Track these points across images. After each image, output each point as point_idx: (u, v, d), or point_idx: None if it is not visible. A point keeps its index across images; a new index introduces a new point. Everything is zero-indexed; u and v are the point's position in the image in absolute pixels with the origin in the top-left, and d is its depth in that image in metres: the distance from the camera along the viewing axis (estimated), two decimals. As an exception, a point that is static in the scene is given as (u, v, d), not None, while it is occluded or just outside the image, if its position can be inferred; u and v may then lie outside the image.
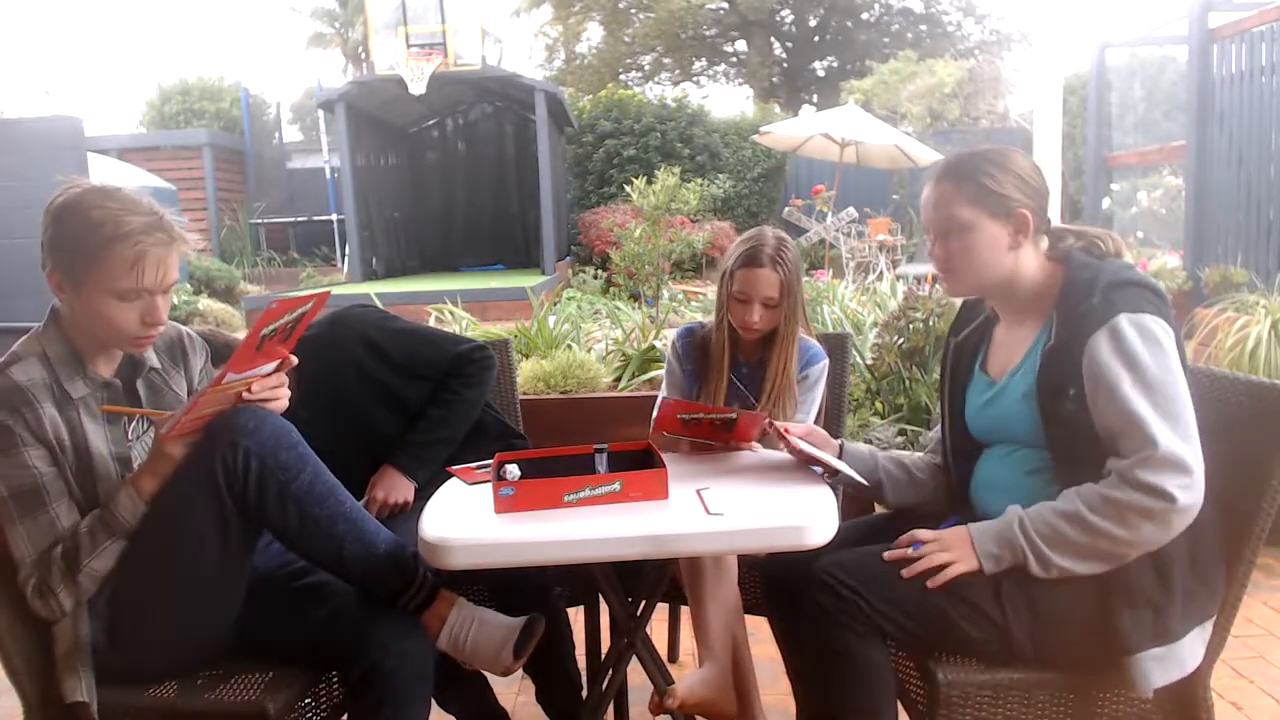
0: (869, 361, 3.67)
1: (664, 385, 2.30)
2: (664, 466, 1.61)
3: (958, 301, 1.87)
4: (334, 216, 14.04)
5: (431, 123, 14.44)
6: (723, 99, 27.67)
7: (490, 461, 1.72)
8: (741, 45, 25.73)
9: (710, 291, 5.92)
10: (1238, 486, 1.52)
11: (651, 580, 1.81)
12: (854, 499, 2.32)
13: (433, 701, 1.68)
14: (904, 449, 2.84)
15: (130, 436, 1.63)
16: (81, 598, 1.51)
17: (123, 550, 1.51)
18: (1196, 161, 6.06)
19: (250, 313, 9.24)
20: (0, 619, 1.51)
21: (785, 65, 25.39)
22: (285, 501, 1.52)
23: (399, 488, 2.07)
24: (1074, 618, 1.48)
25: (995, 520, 1.53)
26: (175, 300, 7.58)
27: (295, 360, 1.56)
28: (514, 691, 2.42)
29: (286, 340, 1.51)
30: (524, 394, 3.32)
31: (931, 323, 3.50)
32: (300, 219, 14.90)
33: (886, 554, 1.56)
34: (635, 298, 6.21)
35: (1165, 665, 1.45)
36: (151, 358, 1.67)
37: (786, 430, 1.74)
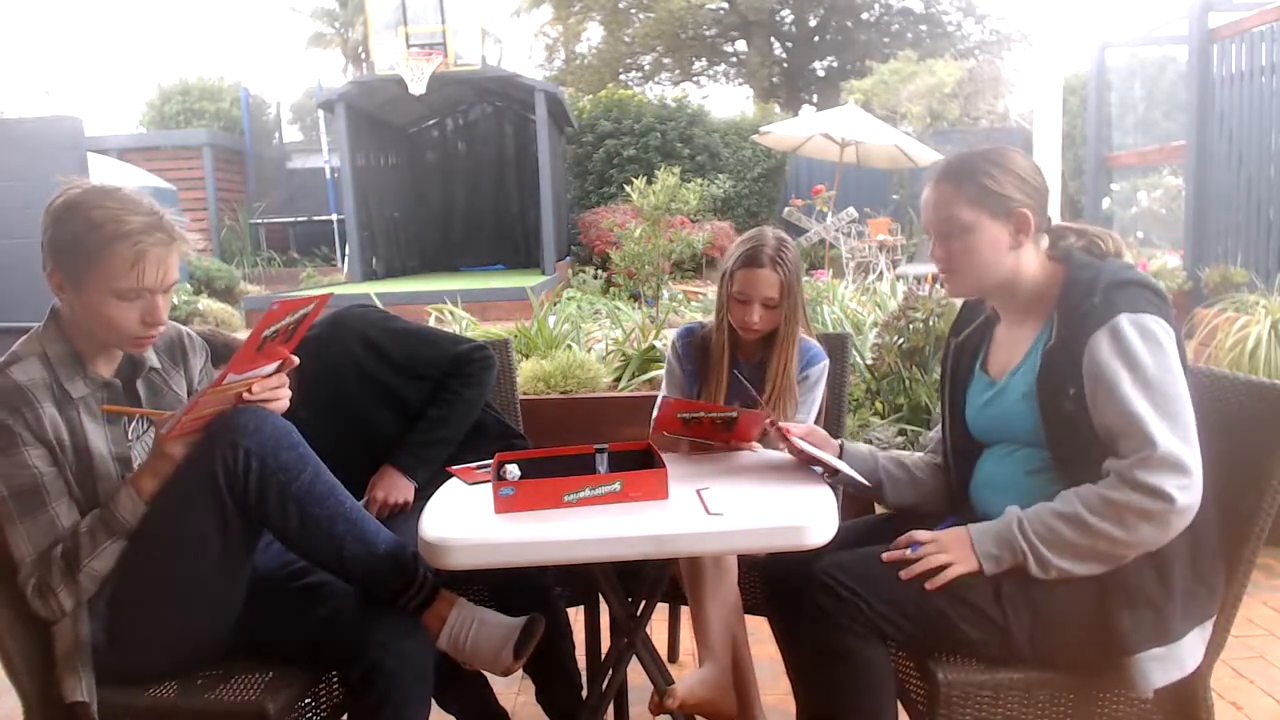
0: (869, 361, 3.67)
1: (664, 385, 2.30)
2: (664, 466, 1.61)
3: (957, 302, 1.87)
4: (334, 216, 14.05)
5: (431, 123, 14.45)
6: (723, 99, 27.75)
7: (490, 461, 1.72)
8: (741, 45, 25.74)
9: (710, 291, 5.92)
10: (1238, 486, 1.52)
11: (651, 580, 1.81)
12: (854, 499, 2.32)
13: (433, 701, 1.68)
14: (904, 449, 2.84)
15: (130, 436, 1.63)
16: (81, 597, 1.51)
17: (123, 550, 1.51)
18: (1196, 161, 6.06)
19: (250, 313, 9.25)
20: (0, 619, 1.51)
21: (785, 65, 25.39)
22: (286, 501, 1.52)
23: (399, 488, 2.07)
24: (1074, 618, 1.48)
25: (994, 521, 1.53)
26: (175, 300, 7.57)
27: (296, 361, 1.56)
28: (514, 691, 2.42)
29: (288, 341, 1.51)
30: (524, 394, 3.32)
31: (931, 323, 3.50)
32: (300, 219, 14.91)
33: (884, 555, 1.56)
34: (635, 298, 6.21)
35: (1165, 665, 1.45)
36: (151, 358, 1.67)
37: (788, 430, 1.74)
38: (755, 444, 1.92)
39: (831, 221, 11.09)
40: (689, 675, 1.75)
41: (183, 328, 1.77)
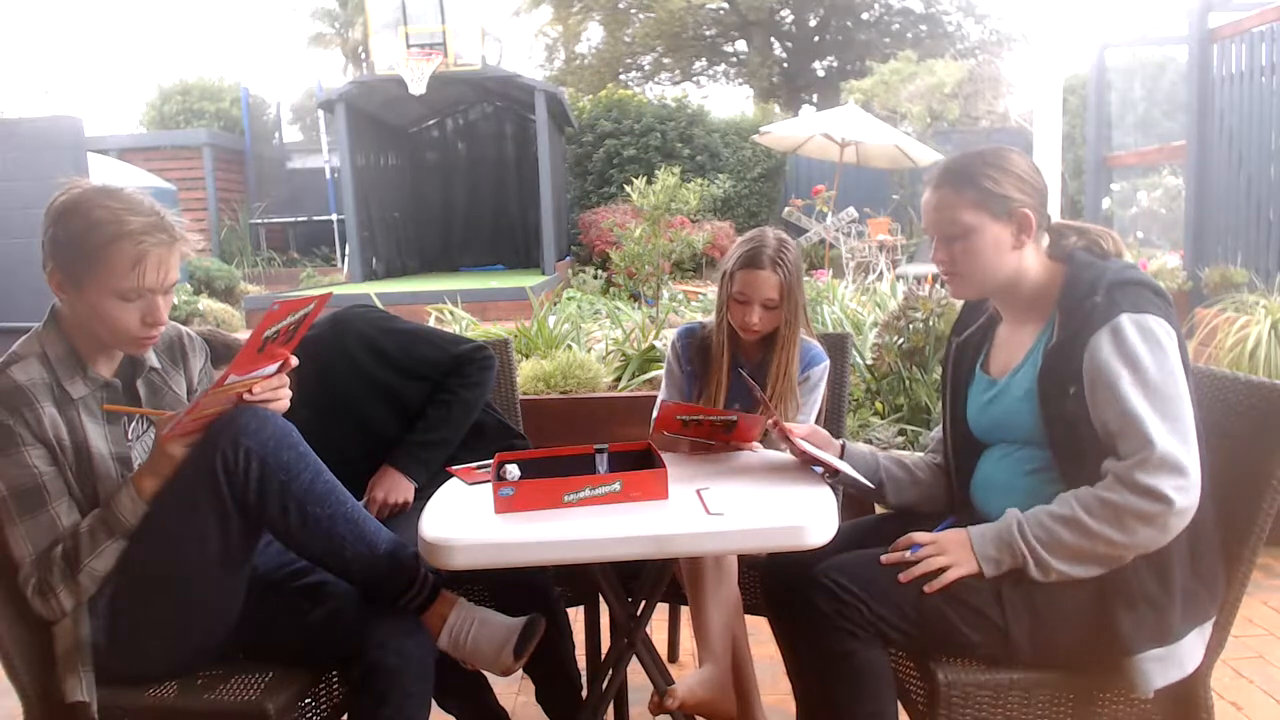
0: (869, 361, 3.67)
1: (663, 385, 2.30)
2: (664, 466, 1.61)
3: (957, 302, 1.87)
4: (334, 216, 14.03)
5: (431, 123, 14.44)
6: (723, 99, 27.74)
7: (490, 461, 1.72)
8: (741, 45, 25.75)
9: (710, 291, 5.92)
10: (1238, 486, 1.52)
11: (651, 580, 1.81)
12: (854, 499, 2.32)
13: (433, 701, 1.68)
14: (904, 449, 2.84)
15: (130, 436, 1.63)
16: (81, 597, 1.51)
17: (123, 550, 1.51)
18: (1196, 161, 6.06)
19: (250, 313, 9.24)
20: (0, 619, 1.51)
21: (785, 65, 25.39)
22: (286, 501, 1.52)
23: (399, 488, 2.07)
24: (1074, 619, 1.48)
25: (994, 524, 1.53)
26: (175, 300, 7.56)
27: (296, 361, 1.56)
28: (514, 691, 2.42)
29: (289, 342, 1.51)
30: (524, 394, 3.32)
31: (931, 323, 3.50)
32: (300, 219, 14.89)
33: (884, 557, 1.56)
34: (635, 298, 6.21)
35: (1165, 666, 1.45)
36: (151, 358, 1.67)
37: (790, 431, 1.74)
38: (756, 444, 1.92)
39: (831, 221, 11.09)
40: (689, 675, 1.75)
41: (183, 328, 1.77)
